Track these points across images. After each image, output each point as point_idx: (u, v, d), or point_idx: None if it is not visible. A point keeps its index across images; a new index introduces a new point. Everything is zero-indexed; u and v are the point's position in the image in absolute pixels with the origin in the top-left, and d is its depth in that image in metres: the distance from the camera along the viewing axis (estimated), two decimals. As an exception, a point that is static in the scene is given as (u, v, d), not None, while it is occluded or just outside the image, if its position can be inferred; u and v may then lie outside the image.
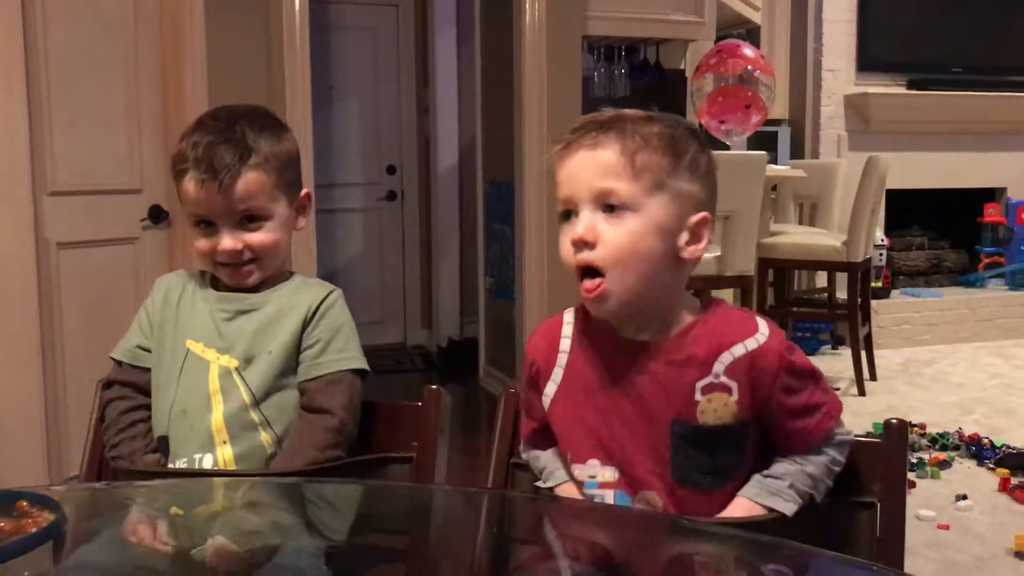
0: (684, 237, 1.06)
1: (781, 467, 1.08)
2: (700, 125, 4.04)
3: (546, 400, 1.14)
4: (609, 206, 1.04)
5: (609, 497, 1.09)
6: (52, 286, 2.55)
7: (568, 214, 1.08)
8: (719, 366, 1.05)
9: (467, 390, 4.46)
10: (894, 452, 1.11)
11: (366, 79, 5.28)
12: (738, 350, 1.05)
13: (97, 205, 2.70)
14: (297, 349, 1.32)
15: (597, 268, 1.05)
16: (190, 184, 1.29)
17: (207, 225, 1.32)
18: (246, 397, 1.30)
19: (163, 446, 1.32)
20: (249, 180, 1.29)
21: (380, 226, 5.41)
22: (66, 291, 2.59)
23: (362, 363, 1.34)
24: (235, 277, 1.34)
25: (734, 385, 1.04)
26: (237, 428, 1.29)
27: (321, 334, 1.32)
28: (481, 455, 3.45)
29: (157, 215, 2.83)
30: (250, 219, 1.32)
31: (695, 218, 1.07)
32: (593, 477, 1.10)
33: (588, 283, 1.05)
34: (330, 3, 5.01)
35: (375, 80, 5.31)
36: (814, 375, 1.08)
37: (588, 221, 1.05)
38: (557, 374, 1.13)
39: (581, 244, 1.05)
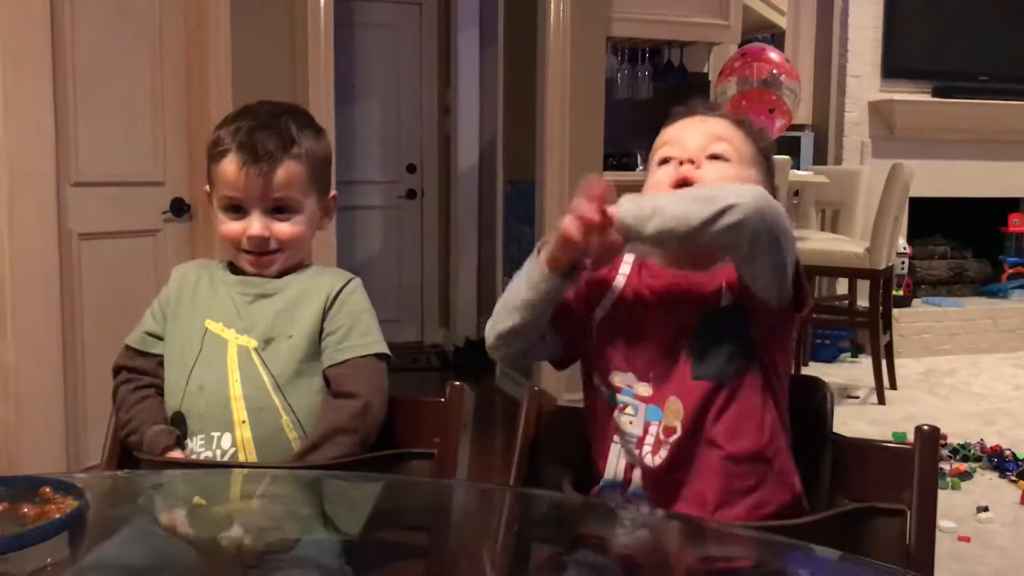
0: None
1: None
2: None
3: (597, 316, 1.22)
4: (713, 155, 1.18)
5: (642, 410, 1.16)
6: (73, 276, 2.56)
7: (666, 161, 1.20)
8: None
9: (483, 390, 4.45)
10: (925, 459, 1.09)
11: (388, 77, 5.29)
12: None
13: (120, 197, 2.71)
14: (318, 334, 1.33)
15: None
16: (229, 166, 1.32)
17: (236, 210, 1.34)
18: (266, 379, 1.30)
19: (179, 422, 1.32)
20: (289, 169, 1.32)
21: (399, 224, 5.42)
22: (87, 282, 2.60)
23: (385, 348, 1.36)
24: (257, 265, 1.36)
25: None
26: (256, 409, 1.29)
27: (343, 320, 1.34)
28: (496, 454, 3.44)
29: (179, 208, 2.84)
30: (281, 209, 1.34)
31: None
32: (630, 387, 1.18)
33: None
34: (354, 1, 5.02)
35: (397, 78, 5.32)
36: None
37: (695, 164, 1.17)
38: (610, 295, 1.22)
39: (685, 169, 1.17)
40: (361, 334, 1.34)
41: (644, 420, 1.16)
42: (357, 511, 1.16)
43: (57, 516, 0.85)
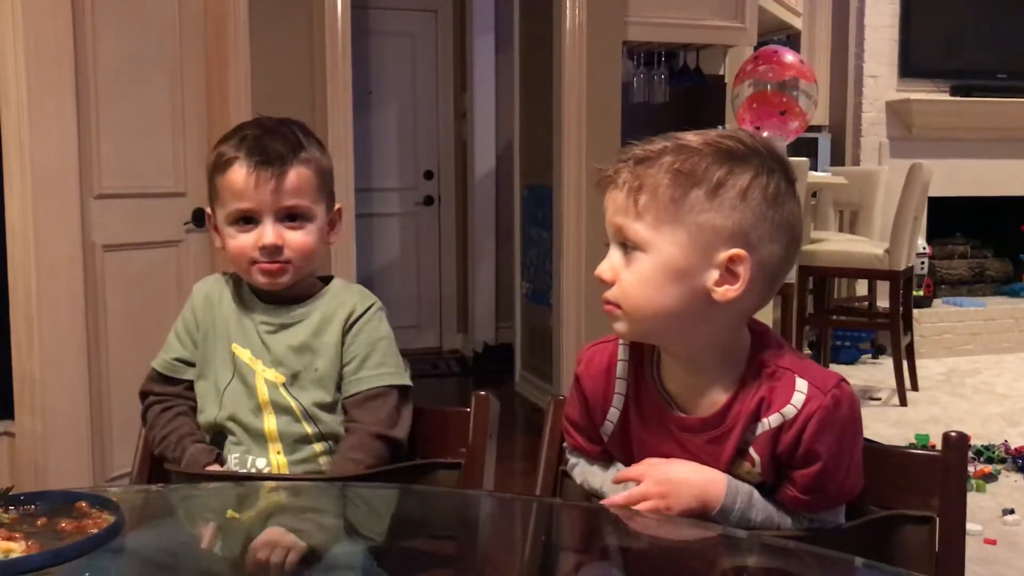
0: (713, 276, 0.97)
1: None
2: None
3: (604, 435, 1.12)
4: (624, 244, 1.00)
5: None
6: (97, 287, 2.58)
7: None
8: (749, 435, 1.02)
9: (503, 395, 4.46)
10: (953, 466, 1.08)
11: (405, 84, 5.31)
12: (774, 420, 1.00)
13: (142, 208, 2.74)
14: (340, 365, 1.32)
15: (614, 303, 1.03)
16: (237, 173, 1.27)
17: (246, 221, 1.29)
18: (297, 411, 1.30)
19: (215, 441, 1.33)
20: (300, 174, 1.28)
21: (417, 230, 5.43)
22: (111, 293, 2.63)
23: (401, 378, 1.33)
24: (268, 276, 1.30)
25: (757, 458, 1.02)
26: (289, 441, 1.30)
27: (358, 349, 1.32)
28: (517, 459, 3.45)
29: (200, 218, 2.86)
30: (292, 217, 1.29)
31: (726, 254, 0.96)
32: None
33: (607, 304, 1.03)
34: (370, 8, 5.04)
35: (413, 85, 5.34)
36: (831, 456, 1.00)
37: (610, 259, 1.02)
38: (613, 415, 1.10)
39: (601, 282, 1.02)
40: (375, 364, 1.31)
41: None
42: (386, 521, 1.17)
43: (94, 531, 0.86)
